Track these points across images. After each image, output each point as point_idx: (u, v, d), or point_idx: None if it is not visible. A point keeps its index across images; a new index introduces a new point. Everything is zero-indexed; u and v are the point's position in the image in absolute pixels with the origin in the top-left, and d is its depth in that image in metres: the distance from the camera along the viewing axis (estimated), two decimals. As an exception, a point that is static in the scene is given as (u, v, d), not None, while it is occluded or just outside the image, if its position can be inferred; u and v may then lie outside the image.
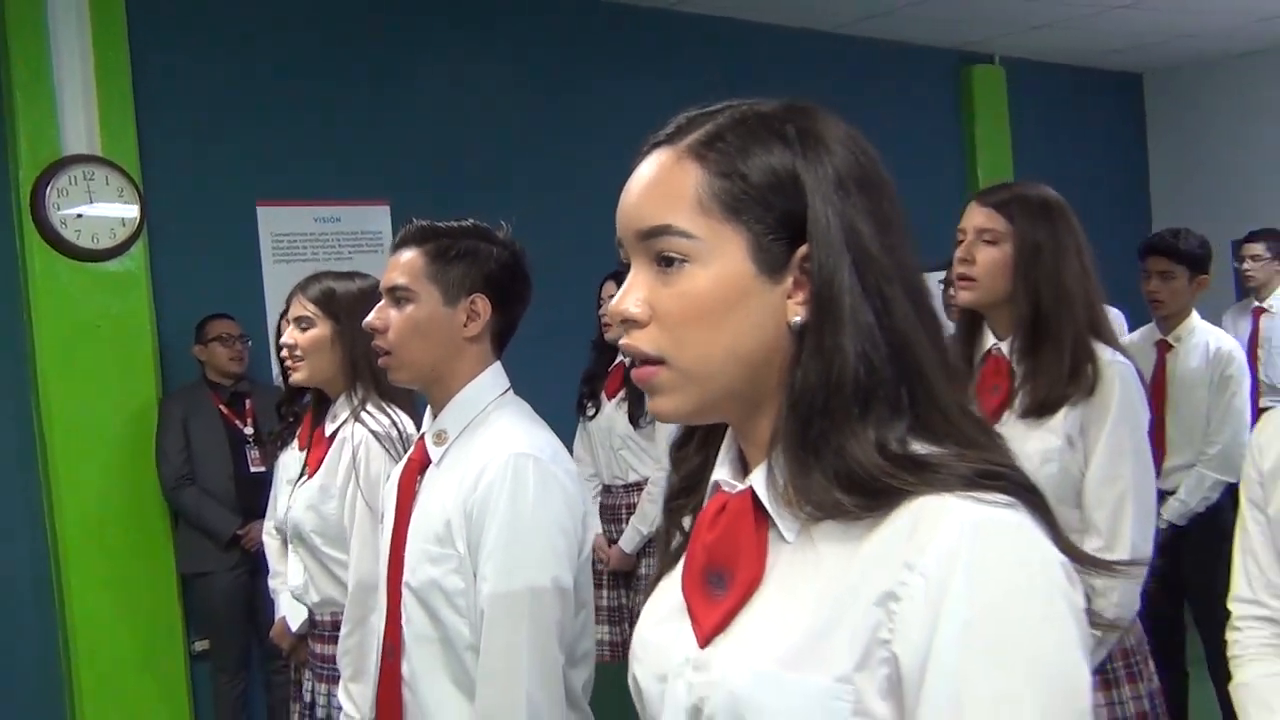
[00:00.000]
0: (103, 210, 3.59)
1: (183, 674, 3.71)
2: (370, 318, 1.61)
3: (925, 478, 0.74)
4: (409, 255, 1.59)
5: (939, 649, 0.70)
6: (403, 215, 4.21)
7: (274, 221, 4.11)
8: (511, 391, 1.63)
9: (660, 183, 0.81)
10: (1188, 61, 6.53)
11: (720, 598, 0.82)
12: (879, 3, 5.13)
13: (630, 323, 0.82)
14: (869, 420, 0.77)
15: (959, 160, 6.17)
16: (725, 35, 5.08)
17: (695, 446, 0.93)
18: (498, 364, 1.64)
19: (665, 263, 0.80)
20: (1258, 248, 4.44)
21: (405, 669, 1.56)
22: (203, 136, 3.89)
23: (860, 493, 0.75)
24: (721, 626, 0.81)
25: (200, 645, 3.77)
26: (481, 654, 1.45)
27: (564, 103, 4.58)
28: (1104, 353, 1.85)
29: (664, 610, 0.89)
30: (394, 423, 2.12)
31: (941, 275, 2.53)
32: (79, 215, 3.54)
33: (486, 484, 1.47)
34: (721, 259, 0.79)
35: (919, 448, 0.77)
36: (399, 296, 1.58)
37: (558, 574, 1.44)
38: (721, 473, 0.87)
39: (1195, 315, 3.34)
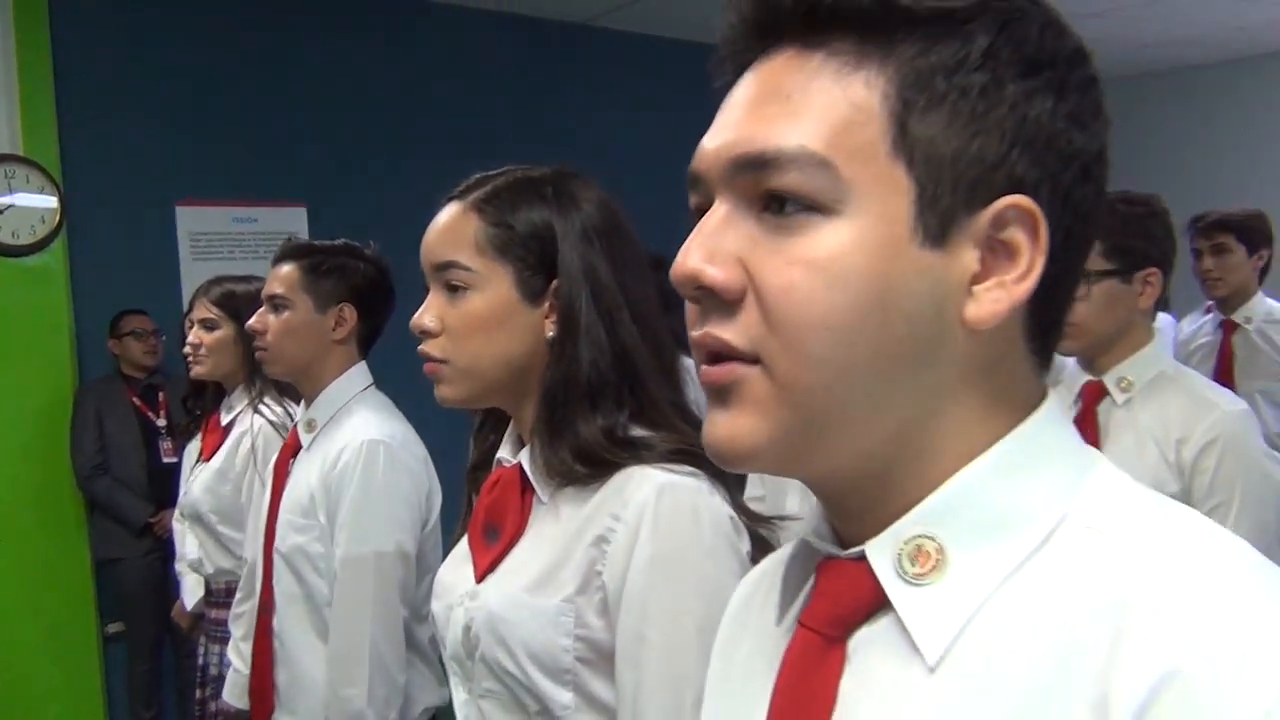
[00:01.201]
0: (23, 205, 3.70)
1: (95, 656, 3.82)
2: (252, 321, 1.83)
3: (635, 454, 1.02)
4: (286, 269, 1.82)
5: (632, 574, 0.97)
6: (319, 216, 4.40)
7: (192, 221, 4.21)
8: (374, 387, 1.86)
9: (450, 228, 1.08)
10: (1146, 72, 6.48)
11: (493, 546, 1.08)
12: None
13: (426, 333, 1.07)
14: (598, 410, 1.04)
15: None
16: (650, 51, 5.18)
17: (488, 430, 1.19)
18: (363, 363, 1.88)
19: (452, 289, 1.07)
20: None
21: (276, 623, 1.79)
22: (123, 137, 3.98)
23: (589, 463, 1.02)
24: (492, 567, 1.07)
25: (114, 628, 3.87)
26: (333, 607, 1.69)
27: (482, 111, 4.73)
28: None
29: (456, 558, 1.14)
30: (287, 412, 2.33)
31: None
32: (0, 211, 3.67)
33: (344, 464, 1.71)
34: (493, 288, 1.06)
35: (637, 432, 1.04)
36: (276, 304, 1.82)
37: (400, 540, 1.68)
38: (504, 451, 1.14)
39: None
